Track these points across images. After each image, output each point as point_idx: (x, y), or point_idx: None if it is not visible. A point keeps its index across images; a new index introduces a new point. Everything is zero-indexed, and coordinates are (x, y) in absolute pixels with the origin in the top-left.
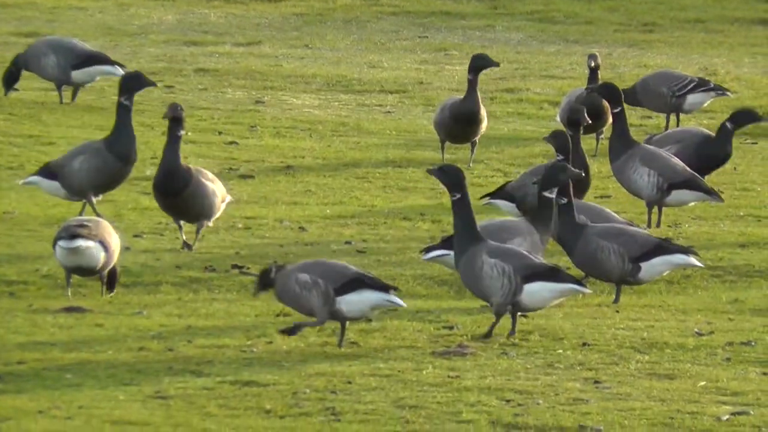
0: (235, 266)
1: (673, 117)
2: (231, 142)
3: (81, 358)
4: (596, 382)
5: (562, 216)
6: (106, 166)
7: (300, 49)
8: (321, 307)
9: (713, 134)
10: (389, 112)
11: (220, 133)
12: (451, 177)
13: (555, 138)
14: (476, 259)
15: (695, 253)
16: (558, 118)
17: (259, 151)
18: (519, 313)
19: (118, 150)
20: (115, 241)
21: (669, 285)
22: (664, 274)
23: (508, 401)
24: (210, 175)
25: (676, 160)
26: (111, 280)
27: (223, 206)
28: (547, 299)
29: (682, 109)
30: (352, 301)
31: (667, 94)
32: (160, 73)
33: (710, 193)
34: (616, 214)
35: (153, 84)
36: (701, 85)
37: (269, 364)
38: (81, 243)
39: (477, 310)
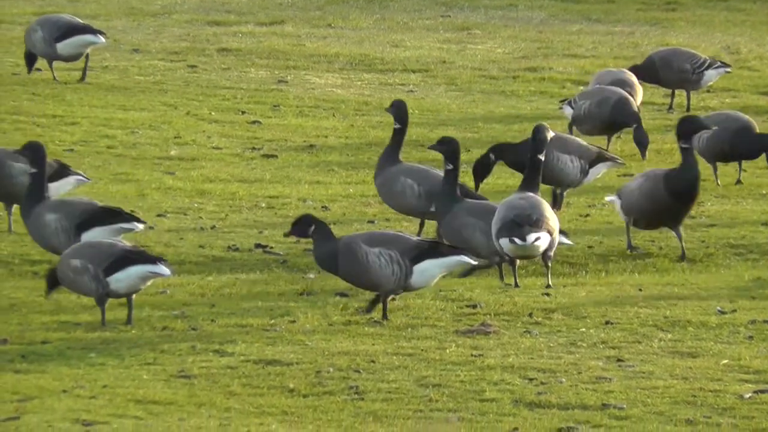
0: (258, 245)
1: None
2: (254, 122)
3: (104, 337)
4: (619, 360)
5: (444, 183)
6: None
7: (323, 28)
8: (95, 290)
9: (753, 122)
10: (412, 91)
11: (243, 112)
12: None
13: (443, 144)
14: (357, 252)
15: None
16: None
17: (282, 131)
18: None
19: None
20: None
21: (691, 264)
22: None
23: (531, 380)
24: None
25: (580, 140)
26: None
27: None
28: (436, 275)
29: (698, 86)
30: (121, 279)
31: (689, 71)
32: (182, 53)
33: (615, 159)
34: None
35: None
36: (713, 63)
37: (292, 343)
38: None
39: (500, 289)
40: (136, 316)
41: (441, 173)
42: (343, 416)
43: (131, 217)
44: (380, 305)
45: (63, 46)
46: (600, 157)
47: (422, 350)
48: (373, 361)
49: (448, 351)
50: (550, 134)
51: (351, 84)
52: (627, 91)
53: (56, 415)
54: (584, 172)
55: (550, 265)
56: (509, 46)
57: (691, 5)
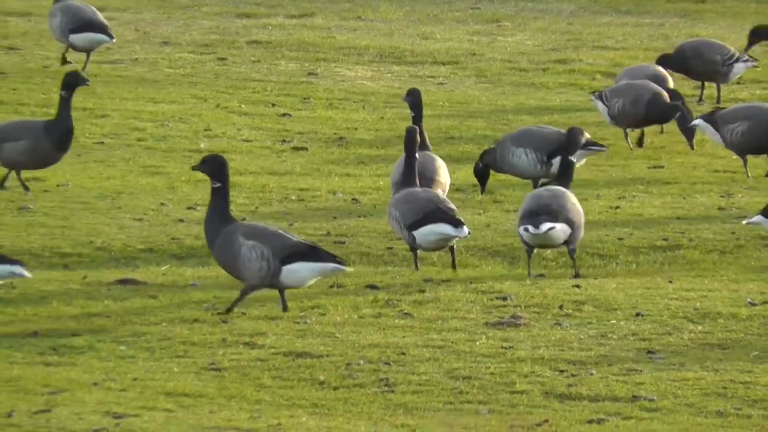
0: None
1: (710, 86)
2: (284, 114)
3: (135, 330)
4: (649, 352)
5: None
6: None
7: (352, 20)
8: None
9: None
10: (442, 83)
11: (273, 105)
12: (214, 166)
13: (408, 96)
14: (233, 241)
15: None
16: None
17: (311, 123)
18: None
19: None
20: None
21: (722, 255)
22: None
23: (561, 371)
24: None
25: (549, 130)
26: None
27: None
28: (307, 278)
29: (727, 79)
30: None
31: (719, 62)
32: (212, 45)
33: (593, 145)
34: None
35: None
36: (741, 56)
37: (323, 335)
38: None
39: (530, 281)
40: (165, 309)
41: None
42: (374, 408)
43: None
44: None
45: (75, 38)
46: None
47: (452, 342)
48: (403, 354)
49: (478, 343)
50: (584, 137)
51: (381, 76)
52: (662, 86)
53: (87, 408)
54: (543, 164)
55: (574, 257)
56: (539, 38)
57: None
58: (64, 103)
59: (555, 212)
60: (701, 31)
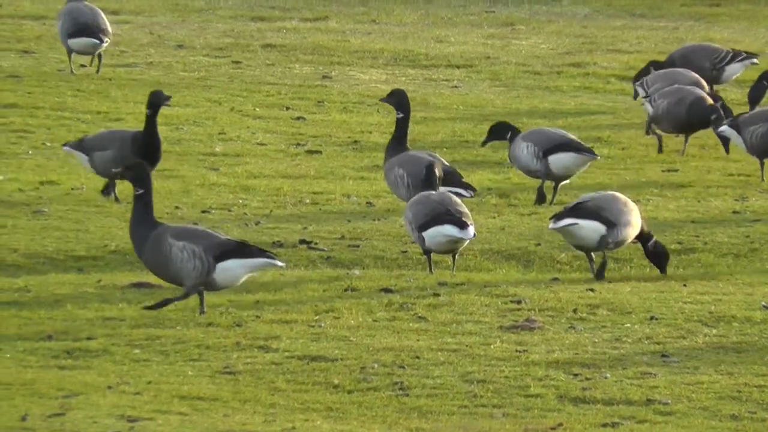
0: (302, 241)
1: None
2: (298, 118)
3: (149, 333)
4: (664, 355)
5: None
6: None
7: (367, 24)
8: None
9: None
10: (456, 86)
11: (287, 108)
12: (137, 174)
13: (392, 96)
14: (162, 244)
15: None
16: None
17: (326, 127)
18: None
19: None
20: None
21: (736, 258)
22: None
23: (575, 375)
24: None
25: (553, 130)
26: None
27: None
28: (240, 275)
29: (720, 81)
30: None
31: (709, 68)
32: (227, 49)
33: (582, 151)
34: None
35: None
36: (736, 55)
37: (337, 338)
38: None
39: (545, 285)
40: (179, 313)
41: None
42: (388, 412)
43: None
44: (196, 299)
45: (73, 43)
46: (562, 147)
47: (467, 346)
48: (417, 357)
49: (492, 347)
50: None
51: (395, 80)
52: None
53: (101, 411)
54: (539, 159)
55: (606, 256)
56: (553, 41)
57: (735, 0)
58: (150, 120)
59: (585, 210)
60: (716, 35)
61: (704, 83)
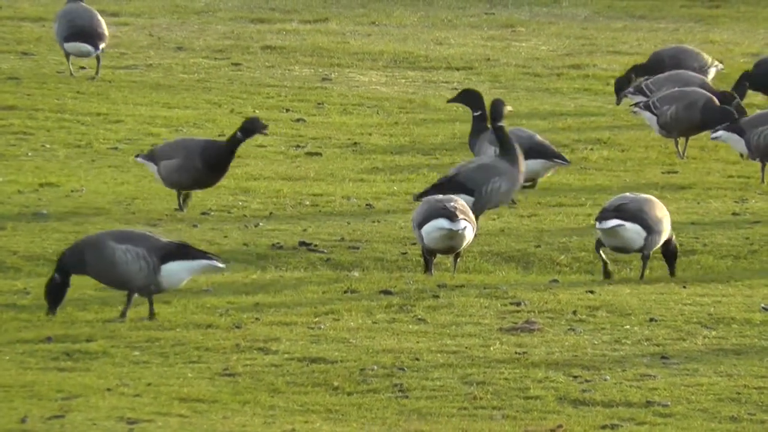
0: (302, 243)
1: None
2: (298, 120)
3: (149, 335)
4: (663, 357)
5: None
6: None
7: (367, 26)
8: None
9: None
10: (456, 88)
11: (287, 110)
12: None
13: (464, 96)
14: (105, 249)
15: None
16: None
17: (326, 129)
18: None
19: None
20: None
21: (736, 260)
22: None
23: (575, 377)
24: None
25: (524, 134)
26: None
27: None
28: (183, 278)
29: None
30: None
31: (696, 70)
32: (226, 51)
33: (553, 157)
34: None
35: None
36: (713, 62)
37: (337, 340)
38: None
39: (544, 286)
40: (178, 315)
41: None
42: (388, 414)
43: None
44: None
45: (68, 47)
46: (531, 152)
47: (466, 348)
48: (417, 359)
49: (492, 348)
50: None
51: (395, 81)
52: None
53: (100, 414)
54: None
55: (646, 262)
56: (553, 43)
57: (735, 2)
58: (235, 143)
59: (629, 212)
60: (716, 36)
61: (710, 84)
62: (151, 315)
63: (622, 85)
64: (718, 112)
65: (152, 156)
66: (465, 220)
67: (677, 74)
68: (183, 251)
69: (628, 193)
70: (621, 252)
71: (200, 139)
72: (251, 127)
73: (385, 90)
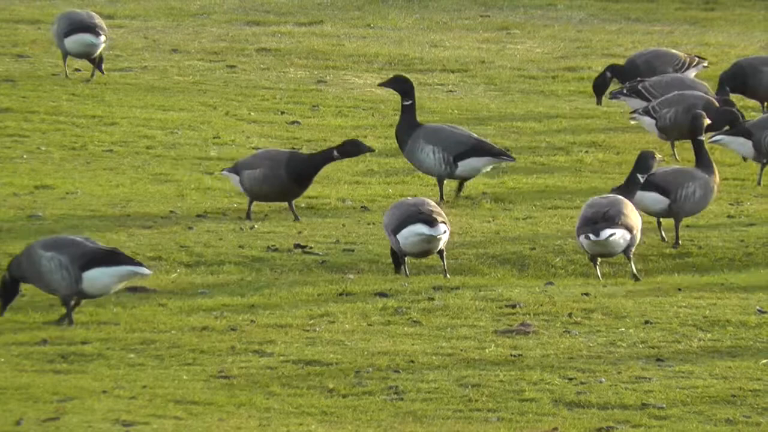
0: (297, 246)
1: None
2: (293, 122)
3: (144, 338)
4: (658, 360)
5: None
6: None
7: (362, 28)
8: None
9: None
10: (451, 91)
11: (282, 112)
12: None
13: (394, 82)
14: (33, 256)
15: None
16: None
17: (321, 131)
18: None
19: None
20: None
21: (731, 263)
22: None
23: (570, 379)
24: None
25: (461, 131)
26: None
27: None
28: (108, 284)
29: None
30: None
31: (671, 73)
32: (222, 53)
33: (499, 155)
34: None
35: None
36: (692, 60)
37: (332, 343)
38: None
39: (539, 289)
40: (174, 317)
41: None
42: (383, 416)
43: None
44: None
45: (68, 42)
46: (475, 151)
47: (461, 350)
48: (412, 361)
49: (487, 351)
50: (656, 162)
51: None
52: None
53: (96, 416)
54: (449, 164)
55: (632, 259)
56: (548, 45)
57: (730, 4)
58: (326, 158)
59: (613, 219)
60: (711, 39)
61: (708, 89)
62: (69, 320)
63: (600, 85)
64: (719, 116)
65: (235, 168)
66: (443, 224)
67: (678, 78)
68: (106, 258)
69: (595, 198)
70: (604, 257)
71: (284, 150)
72: (353, 150)
73: (380, 92)
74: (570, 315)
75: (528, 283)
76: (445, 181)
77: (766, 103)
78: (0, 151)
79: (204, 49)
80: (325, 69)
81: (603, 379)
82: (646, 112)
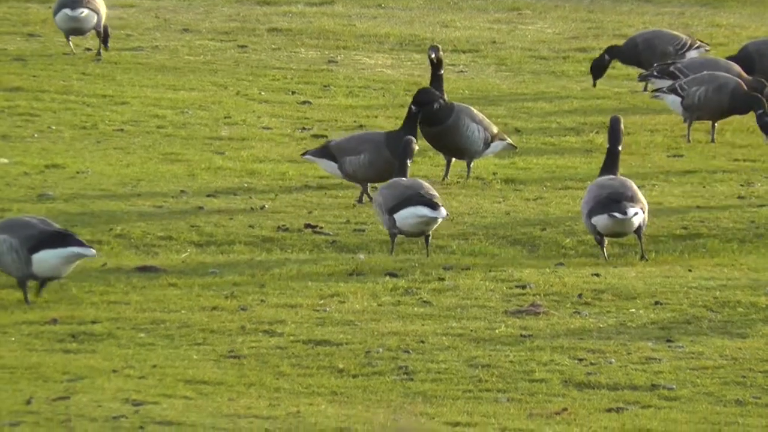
0: (308, 225)
1: None
2: (304, 102)
3: (154, 317)
4: (668, 341)
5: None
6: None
7: (373, 8)
8: None
9: None
10: (462, 71)
11: (293, 92)
12: None
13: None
14: None
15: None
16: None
17: (332, 111)
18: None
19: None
20: None
21: (741, 244)
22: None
23: (580, 360)
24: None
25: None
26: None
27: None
28: (57, 265)
29: None
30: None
31: (672, 53)
32: (233, 33)
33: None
34: None
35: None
36: (694, 43)
37: (342, 323)
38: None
39: (550, 270)
40: (184, 297)
41: None
42: (393, 396)
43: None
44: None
45: (57, 21)
46: (499, 135)
47: (471, 330)
48: (422, 342)
49: (497, 331)
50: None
51: (401, 64)
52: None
53: (106, 395)
54: (486, 144)
55: (643, 239)
56: (559, 26)
57: None
58: (412, 119)
59: (633, 198)
60: (722, 20)
61: (741, 70)
62: (26, 301)
63: (598, 67)
64: (747, 98)
65: (326, 152)
66: (443, 207)
67: (713, 60)
68: (54, 239)
69: (601, 179)
70: (618, 237)
71: (379, 132)
72: (425, 99)
73: (391, 72)
74: (580, 296)
75: (538, 264)
76: (452, 162)
77: None
78: (11, 130)
79: (215, 29)
80: (336, 49)
81: (613, 360)
82: (672, 90)
